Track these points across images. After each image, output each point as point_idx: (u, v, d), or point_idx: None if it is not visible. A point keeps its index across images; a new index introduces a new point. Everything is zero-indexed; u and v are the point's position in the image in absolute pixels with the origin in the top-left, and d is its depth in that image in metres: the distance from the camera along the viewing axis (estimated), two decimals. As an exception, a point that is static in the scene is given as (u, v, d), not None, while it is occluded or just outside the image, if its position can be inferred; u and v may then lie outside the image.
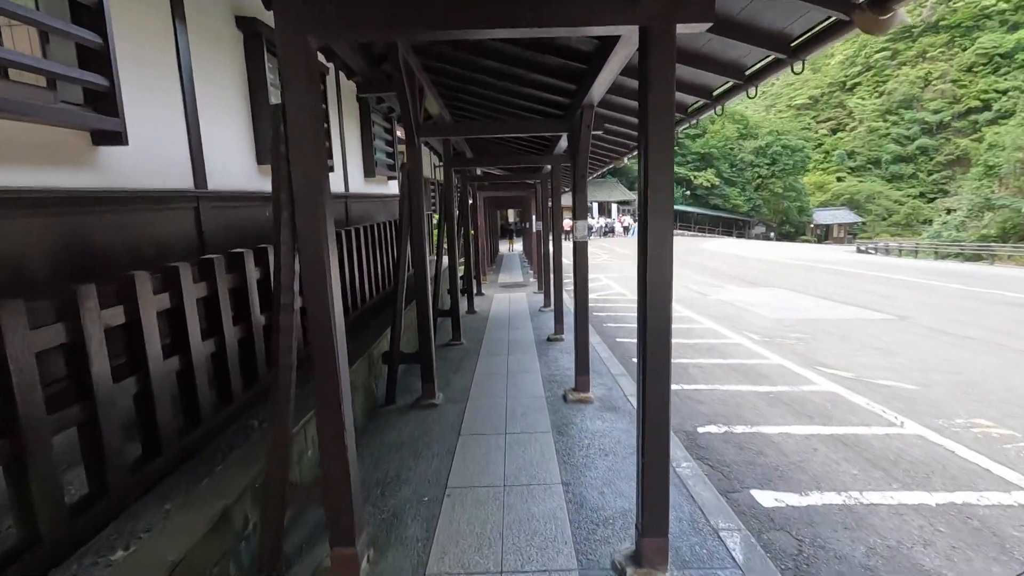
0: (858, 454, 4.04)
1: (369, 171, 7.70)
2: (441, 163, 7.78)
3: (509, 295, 11.15)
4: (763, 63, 3.09)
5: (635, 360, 6.76)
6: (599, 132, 4.39)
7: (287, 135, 2.05)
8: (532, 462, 3.53)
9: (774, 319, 9.30)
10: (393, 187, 9.45)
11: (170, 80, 3.33)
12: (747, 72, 3.22)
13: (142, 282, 2.23)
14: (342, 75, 6.62)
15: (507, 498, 3.07)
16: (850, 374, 6.08)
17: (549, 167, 8.25)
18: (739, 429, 4.49)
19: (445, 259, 7.33)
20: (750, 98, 3.28)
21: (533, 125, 4.51)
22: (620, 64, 2.89)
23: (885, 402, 5.15)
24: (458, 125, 5.19)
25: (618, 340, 7.60)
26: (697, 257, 23.40)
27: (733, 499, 3.37)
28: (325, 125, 5.97)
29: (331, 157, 6.04)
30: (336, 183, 6.46)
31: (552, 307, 9.16)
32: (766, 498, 3.40)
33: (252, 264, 3.27)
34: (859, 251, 34.59)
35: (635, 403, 4.69)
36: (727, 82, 3.38)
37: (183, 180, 3.49)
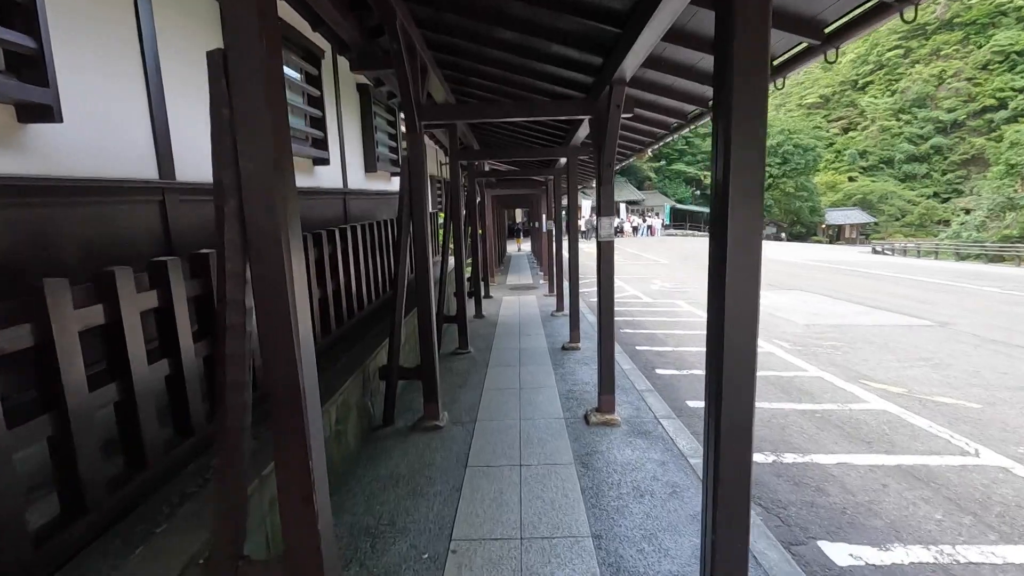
0: (936, 492, 3.42)
1: (370, 166, 7.14)
2: (447, 160, 7.21)
3: (518, 298, 10.58)
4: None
5: (661, 372, 6.26)
6: (628, 116, 3.79)
7: (231, 95, 1.48)
8: (554, 504, 2.95)
9: (804, 325, 8.66)
10: (397, 184, 8.93)
11: (125, 44, 2.77)
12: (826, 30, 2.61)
13: (56, 293, 1.67)
14: (341, 60, 6.07)
15: (525, 556, 2.49)
16: (901, 389, 5.44)
17: (564, 160, 7.68)
18: (789, 458, 3.88)
19: (451, 261, 6.77)
20: (829, 62, 2.67)
21: (551, 108, 3.92)
22: (669, 18, 2.31)
23: (950, 424, 4.52)
24: (465, 107, 4.62)
25: (638, 348, 7.00)
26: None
27: (800, 554, 2.77)
28: (320, 113, 5.43)
29: (327, 148, 5.49)
30: (333, 178, 5.90)
31: (566, 312, 8.58)
32: (839, 553, 2.80)
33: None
34: (875, 252, 33.75)
35: (667, 427, 4.10)
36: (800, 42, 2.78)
37: (144, 168, 2.94)
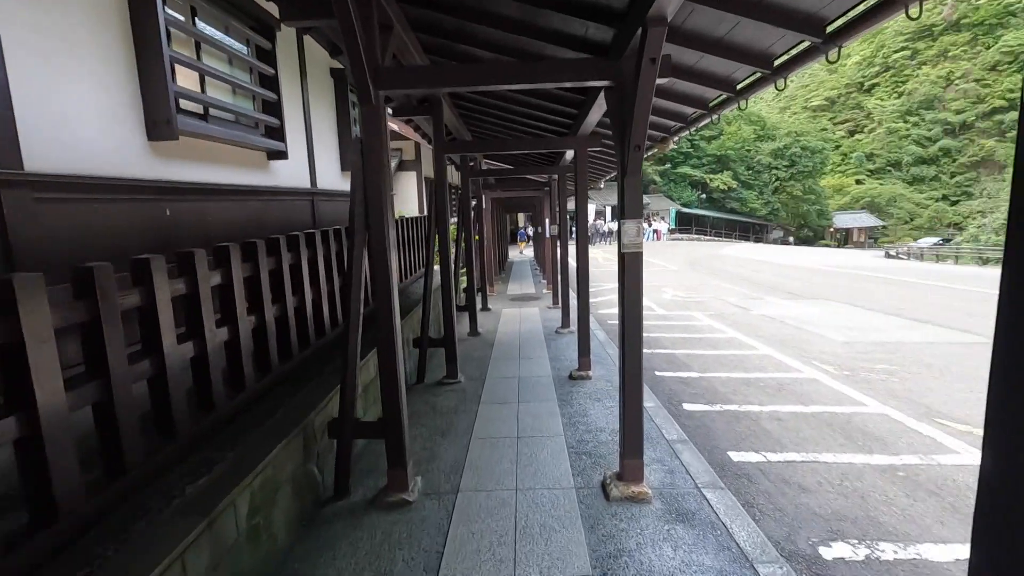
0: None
1: (347, 163, 6.15)
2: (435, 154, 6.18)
3: (520, 310, 9.55)
4: None
5: (690, 408, 5.27)
6: (665, 80, 2.73)
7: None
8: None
9: (843, 342, 7.60)
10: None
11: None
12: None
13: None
14: (309, 40, 5.09)
15: None
16: (991, 432, 4.39)
17: (571, 154, 6.66)
18: (887, 550, 2.83)
19: (446, 273, 5.75)
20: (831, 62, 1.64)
21: (558, 71, 2.88)
22: None
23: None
24: (442, 70, 3.57)
25: (659, 374, 5.96)
26: (722, 264, 21.64)
27: None
28: (275, 96, 4.43)
29: (283, 139, 4.49)
30: (296, 175, 4.89)
31: (573, 328, 7.55)
32: None
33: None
34: (888, 256, 32.67)
35: (714, 503, 2.88)
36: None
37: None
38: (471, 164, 9.16)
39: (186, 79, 3.34)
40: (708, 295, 12.49)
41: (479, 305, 9.63)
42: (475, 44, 4.01)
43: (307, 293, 3.44)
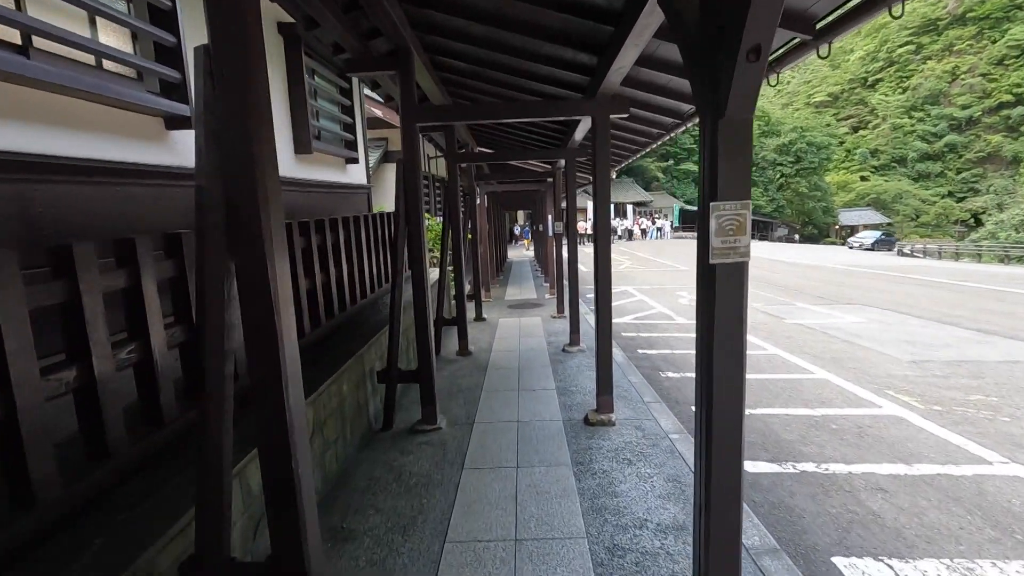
0: None
1: (303, 145, 4.81)
2: (441, 158, 4.69)
3: (519, 320, 8.21)
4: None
5: (754, 469, 2.46)
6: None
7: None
8: None
9: (911, 362, 6.26)
10: (355, 173, 6.55)
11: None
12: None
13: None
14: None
15: None
16: None
17: (581, 134, 5.35)
18: None
19: (420, 285, 4.38)
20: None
21: (549, 108, 1.61)
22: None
23: None
24: (462, 108, 2.49)
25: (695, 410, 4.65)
26: (733, 263, 20.23)
27: None
28: (173, 39, 3.07)
29: (189, 101, 3.15)
30: None
31: (583, 347, 6.22)
32: None
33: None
34: (901, 254, 31.44)
35: None
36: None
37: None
38: (461, 150, 7.81)
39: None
40: (729, 300, 11.13)
41: (472, 314, 8.31)
42: (484, 79, 2.68)
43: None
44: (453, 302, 7.57)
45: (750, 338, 7.62)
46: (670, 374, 5.84)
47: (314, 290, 3.57)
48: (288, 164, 4.60)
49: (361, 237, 4.70)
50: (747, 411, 4.42)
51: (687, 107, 4.42)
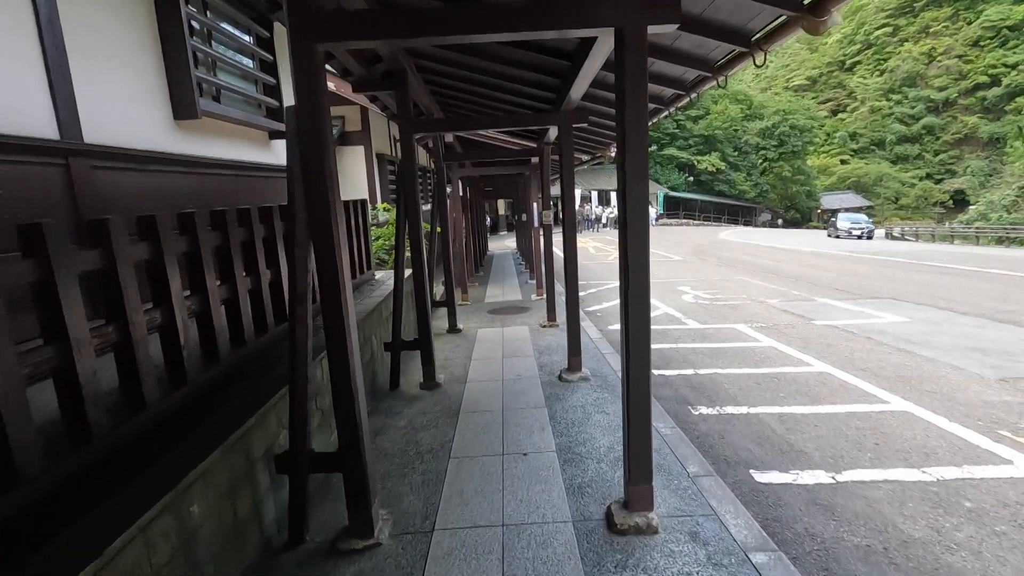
0: None
1: (185, 107, 3.18)
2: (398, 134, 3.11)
3: (502, 331, 6.70)
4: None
5: (829, 536, 2.19)
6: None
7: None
8: None
9: (998, 380, 4.94)
10: (278, 151, 4.83)
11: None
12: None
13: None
14: None
15: None
16: None
17: (555, 130, 3.89)
18: None
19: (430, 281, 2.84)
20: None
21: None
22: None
23: None
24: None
25: (757, 477, 3.21)
26: (729, 251, 19.02)
27: None
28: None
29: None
30: (34, 113, 1.96)
31: (586, 374, 4.70)
32: None
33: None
34: (889, 237, 30.79)
35: None
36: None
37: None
38: (445, 143, 6.21)
39: None
40: (740, 295, 9.79)
41: (445, 325, 6.78)
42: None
43: None
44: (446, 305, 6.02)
45: (779, 345, 6.24)
46: (703, 410, 4.40)
47: (171, 327, 2.02)
48: (158, 133, 2.99)
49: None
50: (828, 478, 2.72)
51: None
